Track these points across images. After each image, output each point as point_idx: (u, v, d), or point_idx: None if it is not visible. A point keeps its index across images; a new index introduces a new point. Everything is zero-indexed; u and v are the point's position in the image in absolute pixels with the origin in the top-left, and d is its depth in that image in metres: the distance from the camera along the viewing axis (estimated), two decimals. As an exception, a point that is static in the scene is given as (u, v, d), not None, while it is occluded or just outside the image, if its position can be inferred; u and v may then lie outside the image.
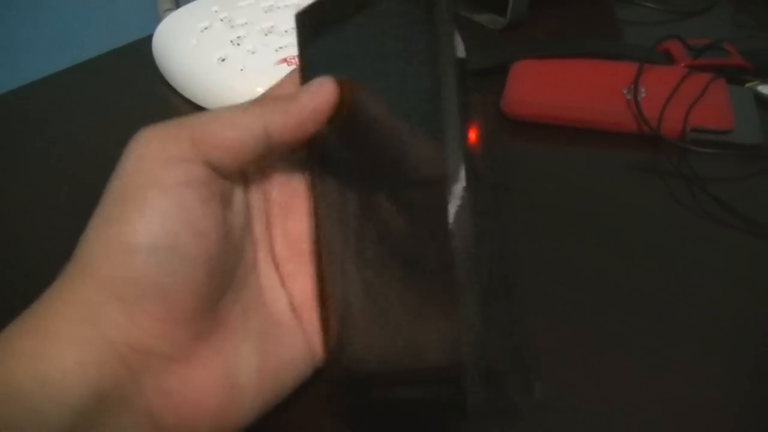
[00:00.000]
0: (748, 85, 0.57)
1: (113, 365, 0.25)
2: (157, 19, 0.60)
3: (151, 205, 0.26)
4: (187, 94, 0.56)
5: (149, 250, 0.26)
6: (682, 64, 0.58)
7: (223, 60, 0.54)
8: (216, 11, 0.58)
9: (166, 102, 0.57)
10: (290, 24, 0.57)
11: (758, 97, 0.55)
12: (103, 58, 0.63)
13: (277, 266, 0.33)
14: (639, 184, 0.48)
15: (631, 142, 0.51)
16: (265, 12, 0.58)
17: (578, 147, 0.51)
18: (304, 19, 0.35)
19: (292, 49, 0.54)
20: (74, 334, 0.25)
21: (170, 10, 0.60)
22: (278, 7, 0.58)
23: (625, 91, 0.53)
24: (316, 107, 0.30)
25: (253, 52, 0.54)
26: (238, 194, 0.31)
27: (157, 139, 0.28)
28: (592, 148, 0.51)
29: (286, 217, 0.33)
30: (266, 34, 0.56)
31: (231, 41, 0.55)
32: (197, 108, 0.55)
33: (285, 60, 0.53)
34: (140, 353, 0.26)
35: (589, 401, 0.34)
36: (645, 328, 0.37)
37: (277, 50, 0.54)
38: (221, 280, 0.29)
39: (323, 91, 0.30)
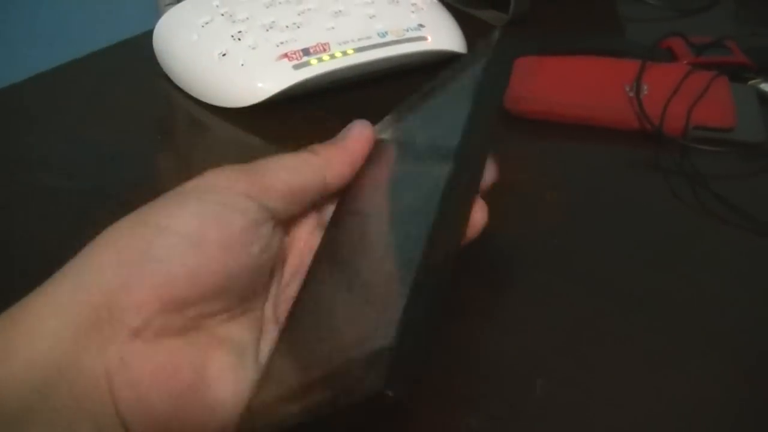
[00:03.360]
0: (750, 82, 0.56)
1: (86, 327, 0.25)
2: (157, 14, 0.60)
3: (191, 206, 0.28)
4: (188, 89, 0.56)
5: (169, 232, 0.27)
6: (685, 62, 0.57)
7: (224, 55, 0.54)
8: (217, 6, 0.58)
9: (167, 97, 0.57)
10: (291, 19, 0.57)
11: (761, 95, 0.55)
12: (103, 53, 0.63)
13: (276, 320, 0.32)
14: (641, 181, 0.48)
15: (633, 140, 0.51)
16: (267, 7, 0.57)
17: (580, 144, 0.51)
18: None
19: (293, 45, 0.54)
20: (57, 294, 0.26)
21: (171, 4, 0.60)
22: (279, 3, 0.58)
23: (627, 89, 0.53)
24: (362, 150, 0.33)
25: (254, 48, 0.54)
26: (276, 241, 0.31)
27: (228, 172, 0.30)
28: (594, 145, 0.51)
29: (287, 283, 0.33)
30: (267, 30, 0.55)
31: (232, 36, 0.55)
32: (198, 102, 0.55)
33: (286, 55, 0.53)
34: (116, 320, 0.26)
35: (589, 397, 0.34)
36: (645, 324, 0.37)
37: (278, 45, 0.54)
38: (226, 299, 0.28)
39: (366, 133, 0.33)
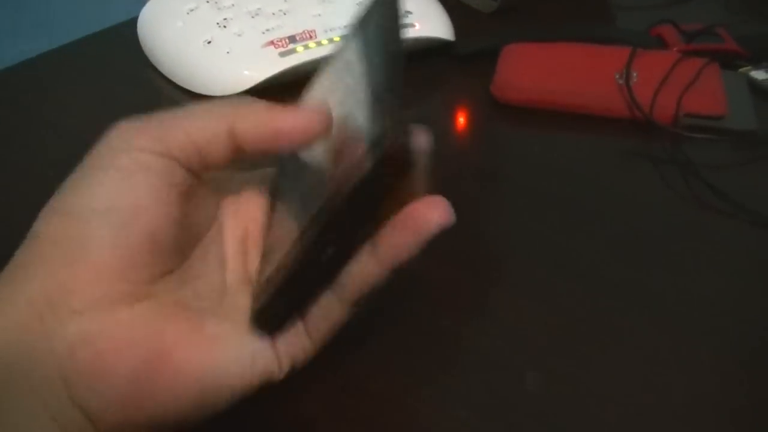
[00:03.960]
0: (741, 70, 0.56)
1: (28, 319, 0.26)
2: (143, 1, 0.59)
3: (105, 182, 0.28)
4: (173, 77, 0.55)
5: (93, 216, 0.28)
6: (675, 49, 0.57)
7: (209, 42, 0.53)
8: (202, -7, 0.57)
9: (152, 85, 0.56)
10: (278, 6, 0.56)
11: (752, 83, 0.55)
12: (87, 41, 0.62)
13: (248, 280, 0.32)
14: (631, 170, 0.47)
15: (623, 128, 0.51)
16: (253, -6, 0.57)
17: (569, 132, 0.51)
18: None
19: (279, 32, 0.53)
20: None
21: (157, -9, 0.59)
22: (266, -11, 0.57)
23: (617, 76, 0.52)
24: (296, 126, 0.30)
25: (240, 35, 0.53)
26: (209, 197, 0.32)
27: (126, 131, 0.30)
28: (584, 133, 0.51)
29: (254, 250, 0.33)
30: (253, 17, 0.55)
31: (217, 23, 0.54)
32: (183, 91, 0.54)
33: (272, 42, 0.53)
34: (61, 305, 0.26)
35: (581, 391, 0.33)
36: (638, 317, 0.37)
37: (263, 32, 0.53)
38: (166, 258, 0.29)
39: (311, 116, 0.30)
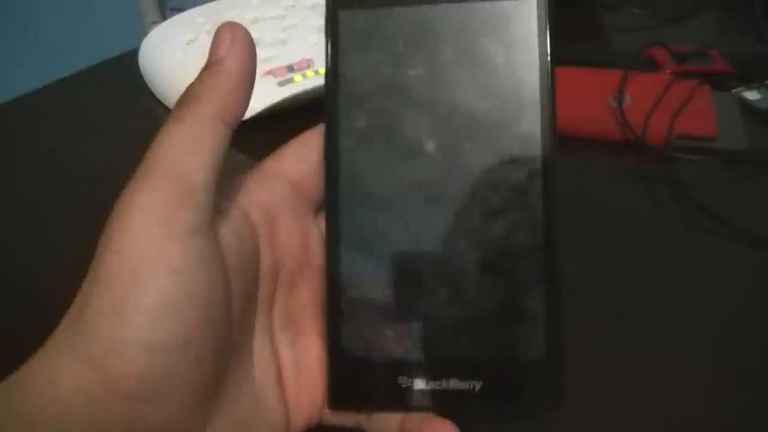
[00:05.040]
0: (733, 91, 0.57)
1: None
2: (142, 32, 0.60)
3: (151, 295, 0.24)
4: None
5: (150, 348, 0.24)
6: (668, 71, 0.58)
7: (209, 72, 0.54)
8: (201, 23, 0.58)
9: (153, 115, 0.57)
10: (275, 35, 0.57)
11: (743, 104, 0.55)
12: (88, 72, 0.63)
13: (272, 334, 0.31)
14: (624, 191, 0.48)
15: (616, 150, 0.51)
16: (251, 23, 0.58)
17: (562, 155, 0.51)
18: None
19: (278, 61, 0.54)
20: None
21: (156, 22, 0.60)
22: (264, 19, 0.58)
23: (610, 99, 0.53)
24: (244, 65, 0.28)
25: (239, 65, 0.54)
26: (246, 245, 0.29)
27: (149, 207, 0.25)
28: (577, 156, 0.51)
29: (293, 285, 0.31)
30: (252, 46, 0.55)
31: (216, 54, 0.55)
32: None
33: (270, 72, 0.53)
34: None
35: (574, 407, 0.34)
36: (630, 335, 0.38)
37: (262, 62, 0.54)
38: (224, 360, 0.27)
39: (239, 41, 0.28)
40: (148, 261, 0.24)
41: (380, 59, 0.29)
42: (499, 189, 0.28)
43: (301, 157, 0.32)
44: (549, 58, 0.28)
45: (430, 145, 0.28)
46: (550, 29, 0.28)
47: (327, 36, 0.30)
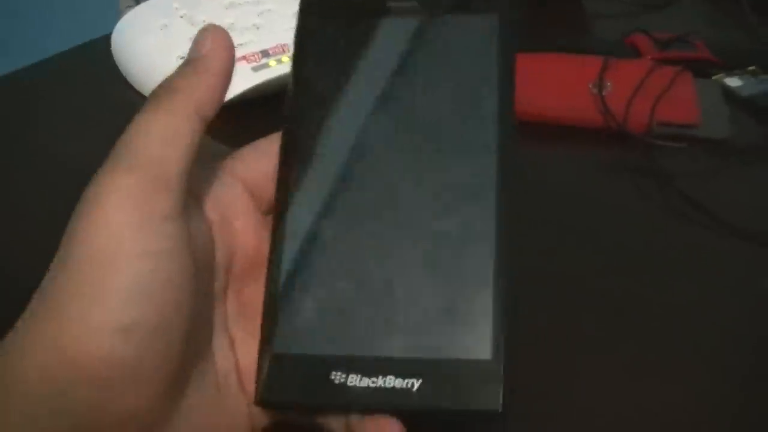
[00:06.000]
0: (715, 78, 0.56)
1: None
2: (119, 17, 0.59)
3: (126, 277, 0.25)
4: (147, 94, 0.55)
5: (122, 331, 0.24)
6: (649, 58, 0.57)
7: (183, 58, 0.53)
8: (176, 8, 0.57)
9: (126, 102, 0.56)
10: (250, 20, 0.56)
11: (725, 90, 0.55)
12: (60, 57, 0.62)
13: (228, 329, 0.30)
14: (605, 180, 0.48)
15: (597, 138, 0.51)
16: (226, 8, 0.57)
17: (543, 143, 0.51)
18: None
19: (253, 47, 0.53)
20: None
21: (132, 6, 0.59)
22: (239, 4, 0.57)
23: (591, 86, 0.52)
24: (223, 64, 0.30)
25: (213, 50, 0.53)
26: (204, 233, 0.29)
27: (125, 191, 0.25)
28: (557, 143, 0.51)
29: (244, 283, 0.31)
30: (227, 32, 0.55)
31: (191, 39, 0.54)
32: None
33: (245, 57, 0.52)
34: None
35: (561, 403, 0.33)
36: (615, 328, 0.37)
37: (237, 47, 0.53)
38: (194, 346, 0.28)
39: (220, 42, 0.30)
40: (124, 244, 0.25)
41: (340, 68, 0.31)
42: (448, 188, 0.29)
43: (259, 159, 0.32)
44: (509, 79, 0.33)
45: (379, 148, 0.30)
46: (511, 50, 0.33)
47: (293, 44, 0.33)
